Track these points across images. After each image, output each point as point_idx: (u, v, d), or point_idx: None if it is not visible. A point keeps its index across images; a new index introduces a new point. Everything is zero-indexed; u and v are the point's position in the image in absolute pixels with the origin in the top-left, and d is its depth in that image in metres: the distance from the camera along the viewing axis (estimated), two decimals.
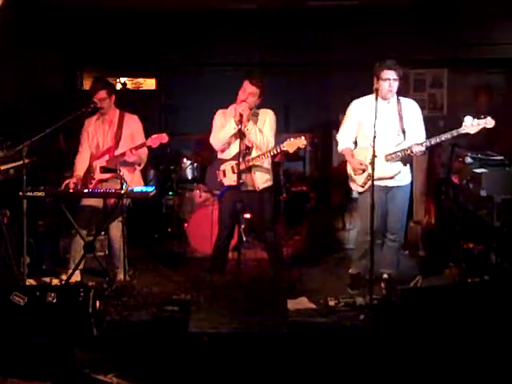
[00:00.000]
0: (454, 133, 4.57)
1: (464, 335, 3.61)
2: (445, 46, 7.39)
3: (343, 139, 4.98)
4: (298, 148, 4.75)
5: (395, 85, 4.73)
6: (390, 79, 4.68)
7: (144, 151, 5.18)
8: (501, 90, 7.80)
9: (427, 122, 5.07)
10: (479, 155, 5.52)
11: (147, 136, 5.14)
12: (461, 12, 7.18)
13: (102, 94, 5.09)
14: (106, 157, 5.20)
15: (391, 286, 4.87)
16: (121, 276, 5.14)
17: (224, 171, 4.92)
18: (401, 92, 4.89)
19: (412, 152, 4.68)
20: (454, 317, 3.69)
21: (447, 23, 7.29)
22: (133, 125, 5.25)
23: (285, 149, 4.71)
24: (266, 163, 4.92)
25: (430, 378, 3.46)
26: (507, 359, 3.46)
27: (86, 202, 5.21)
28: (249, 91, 4.78)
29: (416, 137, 4.78)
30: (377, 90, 4.64)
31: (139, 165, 5.27)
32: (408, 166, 4.91)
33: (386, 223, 4.91)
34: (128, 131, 5.21)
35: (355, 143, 4.99)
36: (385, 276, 4.97)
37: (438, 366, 3.48)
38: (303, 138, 4.67)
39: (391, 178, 4.78)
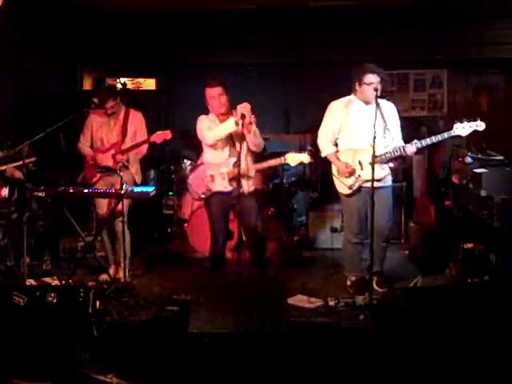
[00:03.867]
0: (446, 135, 4.67)
1: (464, 335, 3.60)
2: (445, 46, 7.40)
3: (326, 143, 4.94)
4: (301, 163, 4.73)
5: (379, 88, 4.70)
6: (373, 83, 4.69)
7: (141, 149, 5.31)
8: (501, 90, 7.80)
9: (427, 121, 5.09)
10: (479, 155, 5.52)
11: (151, 133, 5.28)
12: (461, 12, 7.18)
13: (111, 103, 5.26)
14: (112, 151, 5.29)
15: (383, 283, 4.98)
16: (121, 274, 5.19)
17: (212, 176, 4.83)
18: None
19: (405, 152, 4.73)
20: (454, 317, 3.69)
21: (447, 23, 7.30)
22: (137, 122, 5.39)
23: (287, 161, 4.70)
24: (252, 172, 4.86)
25: (430, 378, 3.46)
26: (507, 359, 3.46)
27: (99, 210, 5.36)
28: (217, 94, 4.75)
29: (397, 138, 4.86)
30: (356, 93, 4.81)
31: (127, 161, 5.35)
32: (387, 168, 4.92)
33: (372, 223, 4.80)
34: (132, 128, 5.36)
35: (336, 145, 4.97)
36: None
37: (438, 365, 3.48)
38: (307, 154, 4.65)
39: (379, 180, 4.70)
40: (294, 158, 4.67)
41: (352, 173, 4.79)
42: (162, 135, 5.18)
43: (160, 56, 7.76)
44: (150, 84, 8.38)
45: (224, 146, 4.79)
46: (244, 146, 4.66)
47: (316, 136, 5.13)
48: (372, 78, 4.69)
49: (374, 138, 4.45)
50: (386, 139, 4.79)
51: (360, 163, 4.79)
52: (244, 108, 4.56)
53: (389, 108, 4.90)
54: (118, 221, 5.19)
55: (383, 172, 4.81)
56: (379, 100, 4.74)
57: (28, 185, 4.84)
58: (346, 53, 7.45)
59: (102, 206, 5.33)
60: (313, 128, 7.74)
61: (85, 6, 6.97)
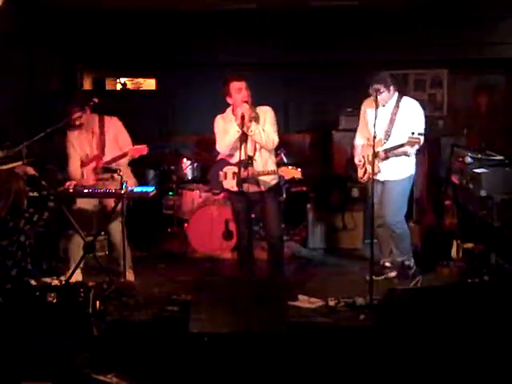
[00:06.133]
0: (399, 145, 4.95)
1: (464, 335, 3.60)
2: (445, 46, 7.40)
3: (357, 135, 5.42)
4: (293, 178, 4.99)
5: (380, 91, 4.99)
6: (372, 89, 5.00)
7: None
8: (501, 90, 7.80)
9: (427, 121, 5.11)
10: (479, 155, 5.52)
11: (133, 136, 5.25)
12: (460, 12, 7.18)
13: (77, 114, 5.08)
14: (93, 164, 5.19)
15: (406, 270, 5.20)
16: (129, 276, 5.20)
17: (226, 174, 4.90)
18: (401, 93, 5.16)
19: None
20: (454, 317, 3.69)
21: (447, 23, 7.30)
22: (114, 127, 5.28)
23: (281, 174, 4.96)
24: (271, 164, 4.91)
25: (430, 378, 3.45)
26: (507, 359, 3.46)
27: (80, 205, 5.22)
28: (243, 86, 4.77)
29: (402, 139, 4.96)
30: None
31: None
32: (400, 163, 5.09)
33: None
34: (111, 135, 5.25)
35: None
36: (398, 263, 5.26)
37: (437, 366, 3.48)
38: (299, 170, 4.94)
39: (377, 174, 5.06)
40: (288, 172, 4.96)
41: (363, 165, 5.26)
42: (138, 150, 5.10)
43: (160, 56, 7.76)
44: (150, 84, 8.39)
45: (238, 147, 4.75)
46: (257, 145, 4.79)
47: (315, 135, 5.22)
48: (373, 85, 5.00)
49: (374, 137, 4.67)
50: (384, 139, 5.10)
51: (368, 157, 5.15)
52: (243, 108, 4.64)
53: (407, 108, 5.10)
54: (118, 221, 5.15)
55: (376, 168, 4.99)
56: (404, 100, 5.10)
57: (43, 182, 4.85)
58: (345, 53, 7.46)
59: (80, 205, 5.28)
60: (312, 127, 7.83)
61: (85, 6, 6.96)
